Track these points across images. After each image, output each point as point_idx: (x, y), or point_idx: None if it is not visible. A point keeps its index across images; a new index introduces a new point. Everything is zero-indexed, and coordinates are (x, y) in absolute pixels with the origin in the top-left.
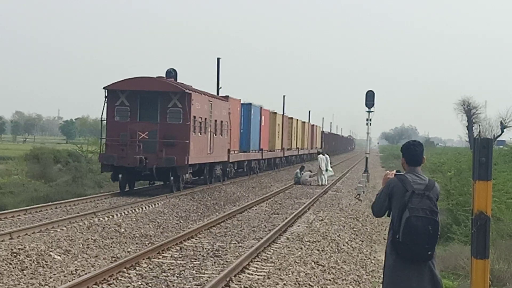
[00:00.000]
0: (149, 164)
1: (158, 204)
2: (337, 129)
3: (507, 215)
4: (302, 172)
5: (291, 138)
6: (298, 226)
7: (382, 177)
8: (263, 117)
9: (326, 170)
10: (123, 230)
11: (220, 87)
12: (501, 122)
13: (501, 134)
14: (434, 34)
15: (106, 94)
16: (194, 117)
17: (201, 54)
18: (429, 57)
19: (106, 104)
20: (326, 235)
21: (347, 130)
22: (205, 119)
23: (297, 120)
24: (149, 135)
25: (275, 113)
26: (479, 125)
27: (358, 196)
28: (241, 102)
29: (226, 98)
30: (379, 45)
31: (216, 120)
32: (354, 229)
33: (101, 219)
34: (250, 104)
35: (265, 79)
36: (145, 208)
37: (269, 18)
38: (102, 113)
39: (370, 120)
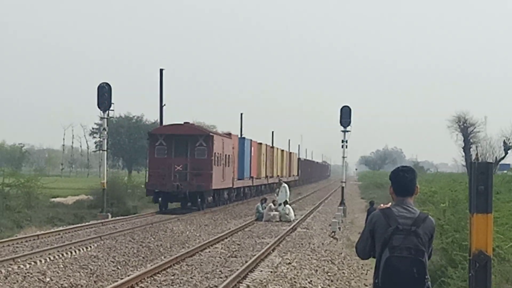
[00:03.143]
0: (183, 189)
1: (90, 247)
2: (307, 152)
3: None
4: (265, 205)
5: (272, 166)
6: (261, 271)
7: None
8: (252, 148)
9: (286, 203)
10: (48, 279)
11: (164, 104)
12: (504, 142)
13: (504, 156)
14: (421, 38)
15: (148, 137)
16: (215, 153)
17: (140, 66)
18: (418, 65)
19: (149, 145)
20: (295, 282)
21: (318, 154)
22: (220, 154)
23: (278, 148)
24: (182, 167)
25: (261, 143)
26: (478, 146)
27: (333, 233)
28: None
29: (230, 135)
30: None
31: (226, 155)
32: (329, 274)
33: (22, 266)
34: (244, 138)
35: (218, 96)
36: (75, 252)
37: (223, 36)
38: (148, 152)
39: (346, 141)
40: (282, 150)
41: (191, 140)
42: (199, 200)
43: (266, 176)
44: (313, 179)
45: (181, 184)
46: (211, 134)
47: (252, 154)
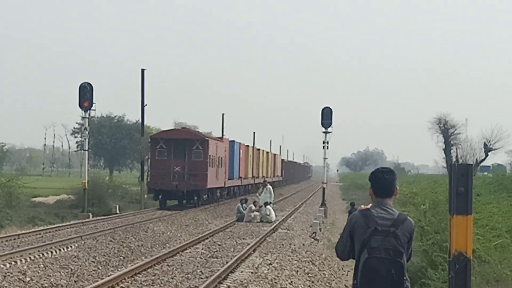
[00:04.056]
0: (181, 188)
1: (71, 247)
2: (288, 153)
3: (494, 256)
4: (245, 205)
5: (258, 167)
6: (242, 271)
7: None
8: (241, 150)
9: (266, 204)
10: (28, 279)
11: (146, 105)
12: (485, 144)
13: (485, 158)
14: (402, 40)
15: (150, 141)
16: (210, 156)
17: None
18: (399, 66)
19: (150, 147)
20: (275, 283)
21: (300, 155)
22: (214, 156)
23: (263, 150)
24: (180, 168)
25: (248, 146)
26: (458, 148)
27: (314, 234)
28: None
29: (222, 138)
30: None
31: (219, 157)
32: (310, 275)
33: (2, 266)
34: (234, 141)
35: (200, 96)
36: (56, 252)
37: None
38: (150, 154)
39: (327, 142)
40: (267, 152)
41: (188, 144)
42: (196, 198)
43: (253, 177)
44: (296, 179)
45: (180, 183)
46: (206, 138)
47: (241, 156)
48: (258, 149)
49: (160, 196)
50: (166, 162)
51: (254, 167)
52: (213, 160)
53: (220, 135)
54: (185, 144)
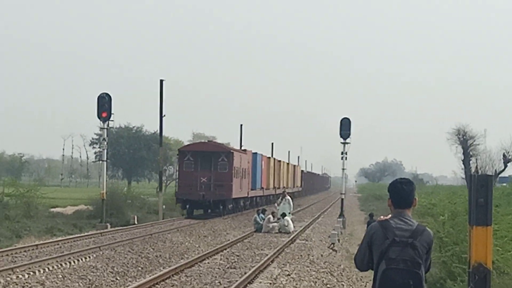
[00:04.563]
0: (207, 198)
1: (89, 257)
2: (306, 164)
3: None
4: (262, 216)
5: (279, 178)
6: (260, 282)
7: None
8: (263, 162)
9: (284, 215)
10: None
11: (164, 115)
12: (504, 155)
13: (504, 169)
14: (421, 50)
15: (178, 153)
16: (234, 167)
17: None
18: (418, 76)
19: (178, 160)
20: None
21: (317, 166)
22: (238, 167)
23: (284, 162)
24: (206, 179)
25: (269, 157)
26: (477, 159)
27: (332, 245)
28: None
29: (245, 151)
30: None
31: (243, 168)
32: (328, 286)
33: (20, 276)
34: (256, 153)
35: (218, 106)
36: (74, 262)
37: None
38: (176, 167)
39: (346, 153)
40: (288, 163)
41: (214, 156)
42: (221, 207)
43: (274, 187)
44: (315, 190)
45: (206, 193)
46: (231, 151)
47: (263, 167)
48: (279, 161)
49: (187, 206)
50: (193, 174)
51: (275, 177)
52: (237, 171)
53: (238, 146)
54: (211, 156)
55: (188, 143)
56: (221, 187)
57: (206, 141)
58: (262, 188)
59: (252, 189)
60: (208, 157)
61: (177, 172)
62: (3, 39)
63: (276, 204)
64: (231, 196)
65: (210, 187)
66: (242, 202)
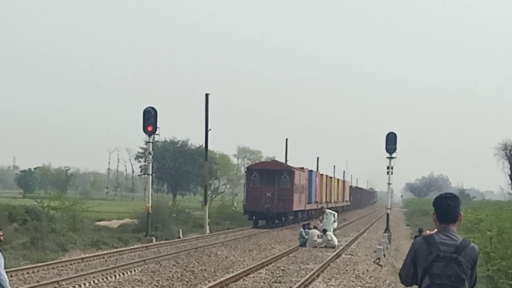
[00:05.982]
0: (271, 210)
1: (134, 271)
2: (352, 179)
3: None
4: (307, 230)
5: (330, 193)
6: None
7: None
8: (317, 178)
9: (325, 231)
10: None
11: (210, 129)
12: None
13: None
14: (469, 64)
15: (246, 171)
16: (295, 183)
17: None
18: (465, 90)
19: (246, 177)
20: None
21: (363, 180)
22: (298, 184)
23: (334, 178)
24: (271, 194)
25: (322, 174)
26: None
27: (377, 260)
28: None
29: (303, 169)
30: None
31: (301, 184)
32: None
33: None
34: (312, 170)
35: (262, 120)
36: (119, 276)
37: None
38: (245, 182)
39: (392, 168)
40: (338, 179)
41: (278, 174)
42: (283, 218)
43: (326, 201)
44: (361, 205)
45: (270, 206)
46: (293, 169)
47: (317, 183)
48: (330, 177)
49: (254, 217)
50: (259, 189)
51: (327, 192)
52: (297, 187)
53: (284, 160)
54: (275, 174)
55: (233, 157)
56: (283, 201)
57: (270, 160)
58: (316, 202)
59: (308, 203)
60: (272, 174)
61: (245, 188)
62: (55, 60)
63: (319, 221)
64: (292, 209)
65: (274, 201)
66: (300, 214)
